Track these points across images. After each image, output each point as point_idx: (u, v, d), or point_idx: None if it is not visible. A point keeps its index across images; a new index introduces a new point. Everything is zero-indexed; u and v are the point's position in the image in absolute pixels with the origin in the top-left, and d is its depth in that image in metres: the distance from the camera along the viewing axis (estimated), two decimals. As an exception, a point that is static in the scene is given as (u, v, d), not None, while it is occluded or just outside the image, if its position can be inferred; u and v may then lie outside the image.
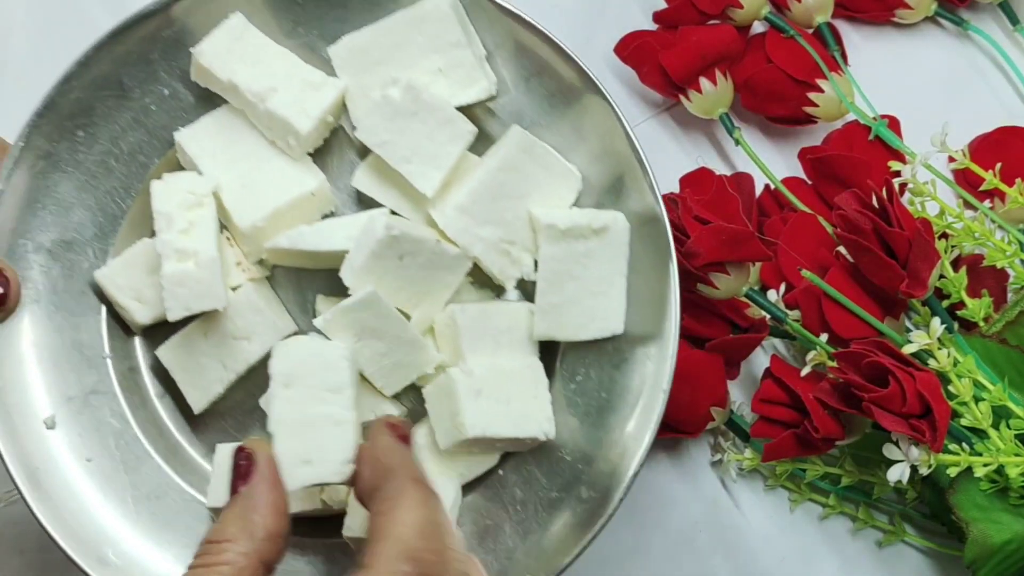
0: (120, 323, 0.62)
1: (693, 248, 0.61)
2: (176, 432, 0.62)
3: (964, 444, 0.60)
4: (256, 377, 0.61)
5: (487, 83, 0.61)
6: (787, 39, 0.71)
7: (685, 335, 0.65)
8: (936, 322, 0.61)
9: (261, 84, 0.60)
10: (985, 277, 0.67)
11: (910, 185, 0.66)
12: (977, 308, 0.64)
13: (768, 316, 0.65)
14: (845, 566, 0.69)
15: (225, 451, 0.58)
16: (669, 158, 0.73)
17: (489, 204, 0.60)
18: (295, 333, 0.62)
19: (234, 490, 0.50)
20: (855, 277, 0.63)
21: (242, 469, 0.50)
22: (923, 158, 0.66)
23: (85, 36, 0.75)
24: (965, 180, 0.69)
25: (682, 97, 0.71)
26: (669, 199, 0.61)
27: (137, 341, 0.62)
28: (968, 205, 0.67)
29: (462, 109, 0.60)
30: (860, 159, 0.68)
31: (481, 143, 0.61)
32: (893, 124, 0.70)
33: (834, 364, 0.61)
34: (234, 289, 0.60)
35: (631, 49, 0.72)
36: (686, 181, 0.71)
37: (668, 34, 0.72)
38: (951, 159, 0.68)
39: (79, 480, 0.59)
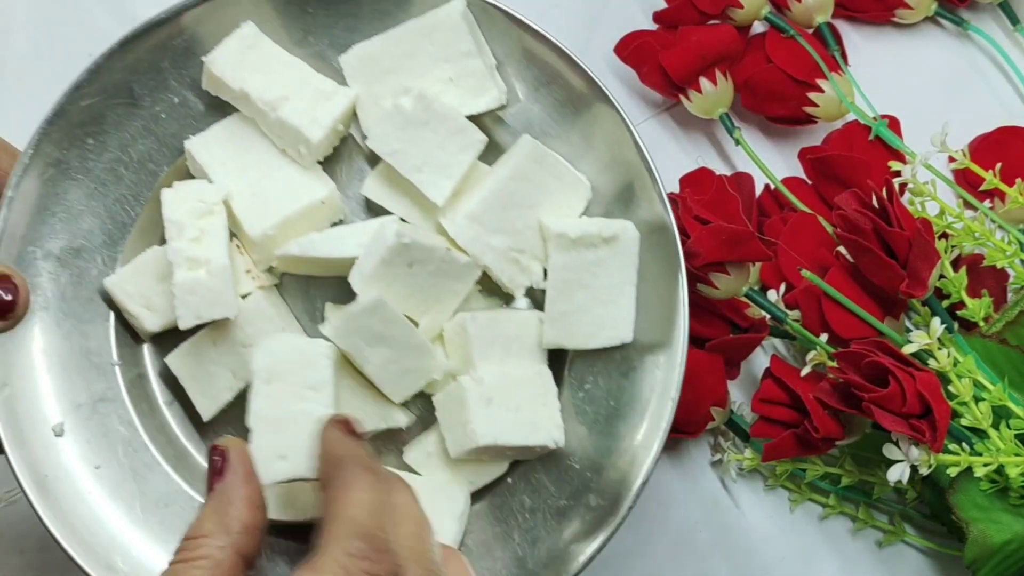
0: (129, 330, 0.62)
1: (693, 248, 0.61)
2: (185, 440, 0.62)
3: (964, 444, 0.60)
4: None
5: (497, 92, 0.61)
6: (787, 39, 0.71)
7: (685, 335, 0.65)
8: (936, 322, 0.61)
9: (273, 93, 0.60)
10: (985, 277, 0.67)
11: (910, 185, 0.66)
12: (977, 308, 0.64)
13: (768, 316, 0.65)
14: (845, 566, 0.69)
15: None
16: (669, 158, 0.73)
17: (500, 213, 0.60)
18: None
19: (210, 487, 0.51)
20: (855, 277, 0.63)
21: (216, 466, 0.52)
22: (923, 158, 0.66)
23: (85, 36, 0.75)
24: (965, 180, 0.69)
25: (682, 97, 0.71)
26: (669, 199, 0.61)
27: (146, 348, 0.62)
28: (968, 205, 0.67)
29: (472, 118, 0.61)
30: (860, 159, 0.68)
31: (490, 152, 0.61)
32: (893, 124, 0.70)
33: (834, 364, 0.61)
34: (244, 297, 0.60)
35: (631, 49, 0.72)
36: (686, 181, 0.71)
37: (668, 34, 0.72)
38: (951, 159, 0.68)
39: (88, 487, 0.59)
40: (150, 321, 0.60)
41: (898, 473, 0.60)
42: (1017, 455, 0.59)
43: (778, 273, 0.66)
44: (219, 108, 0.62)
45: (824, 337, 0.63)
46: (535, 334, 0.61)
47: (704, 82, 0.70)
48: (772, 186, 0.70)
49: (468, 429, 0.58)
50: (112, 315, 0.61)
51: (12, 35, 0.75)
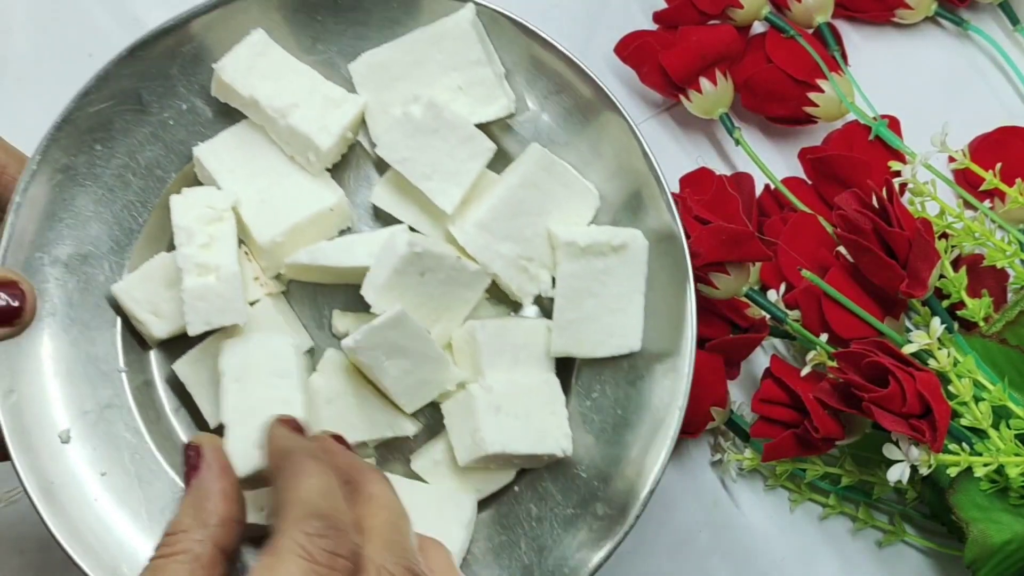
0: (135, 337, 0.62)
1: (693, 248, 0.61)
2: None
3: (964, 444, 0.60)
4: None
5: (507, 101, 0.61)
6: (787, 39, 0.71)
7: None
8: (936, 322, 0.61)
9: (282, 100, 0.60)
10: (985, 277, 0.67)
11: (910, 185, 0.66)
12: (977, 308, 0.64)
13: (768, 316, 0.65)
14: (845, 566, 0.69)
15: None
16: (669, 158, 0.73)
17: (509, 221, 0.60)
18: (311, 348, 0.62)
19: (186, 483, 0.52)
20: (855, 277, 0.63)
21: (191, 462, 0.52)
22: (923, 158, 0.66)
23: (85, 36, 0.76)
24: (965, 180, 0.69)
25: (682, 97, 0.71)
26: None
27: (152, 355, 0.62)
28: (968, 205, 0.67)
29: (480, 126, 0.61)
30: (860, 159, 0.68)
31: (498, 160, 0.61)
32: (893, 124, 0.70)
33: (834, 364, 0.61)
34: (252, 304, 0.60)
35: (631, 49, 0.72)
36: (686, 181, 0.71)
37: (668, 34, 0.72)
38: (951, 159, 0.68)
39: (94, 494, 0.59)
40: (158, 327, 0.60)
41: (898, 473, 0.60)
42: (1017, 455, 0.59)
43: (778, 273, 0.66)
44: (227, 115, 0.62)
45: (824, 337, 0.63)
46: (543, 342, 0.61)
47: (704, 82, 0.70)
48: (772, 186, 0.70)
49: (477, 437, 0.58)
50: (119, 321, 0.61)
51: (12, 35, 0.75)
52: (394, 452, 0.62)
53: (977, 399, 0.60)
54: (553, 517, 0.60)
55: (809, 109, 0.71)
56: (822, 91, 0.70)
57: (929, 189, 0.65)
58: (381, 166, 0.62)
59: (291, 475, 0.49)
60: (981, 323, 0.64)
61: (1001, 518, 0.61)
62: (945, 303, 0.64)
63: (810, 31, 0.72)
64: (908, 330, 0.62)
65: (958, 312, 0.64)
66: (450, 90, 0.61)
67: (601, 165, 0.62)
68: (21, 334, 0.58)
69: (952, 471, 0.59)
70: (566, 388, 0.61)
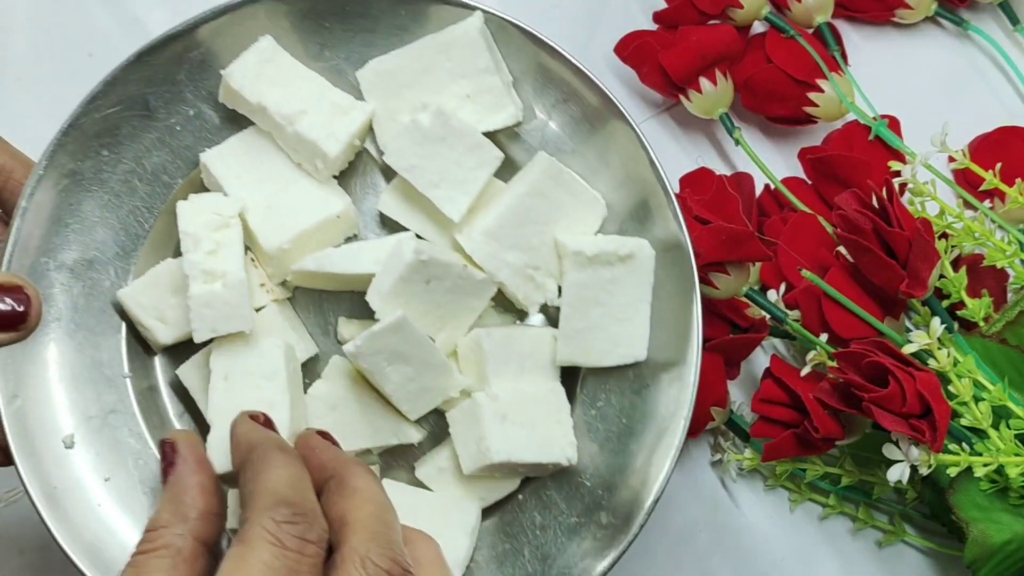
0: (140, 342, 0.62)
1: (693, 248, 0.61)
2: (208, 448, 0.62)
3: (964, 444, 0.60)
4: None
5: (514, 109, 0.61)
6: (787, 39, 0.71)
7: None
8: (936, 322, 0.61)
9: (290, 107, 0.60)
10: (985, 277, 0.67)
11: (910, 185, 0.66)
12: (977, 308, 0.64)
13: (768, 316, 0.65)
14: (845, 566, 0.69)
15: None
16: (669, 158, 0.72)
17: (516, 230, 0.60)
18: (316, 355, 0.62)
19: (163, 480, 0.52)
20: (855, 277, 0.63)
21: (167, 458, 0.52)
22: (923, 158, 0.66)
23: (85, 36, 0.75)
24: (965, 180, 0.69)
25: (682, 97, 0.71)
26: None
27: (157, 360, 0.62)
28: (968, 205, 0.67)
29: (488, 134, 0.61)
30: (860, 159, 0.68)
31: (505, 168, 0.61)
32: (893, 124, 0.70)
33: (834, 364, 0.61)
34: (258, 310, 0.60)
35: (631, 49, 0.72)
36: (686, 181, 0.71)
37: (668, 34, 0.72)
38: (951, 159, 0.68)
39: (97, 499, 0.59)
40: (163, 333, 0.60)
41: (898, 473, 0.60)
42: (1017, 455, 0.59)
43: (778, 273, 0.66)
44: (234, 121, 0.62)
45: (824, 337, 0.63)
46: (549, 351, 0.61)
47: (704, 82, 0.70)
48: (772, 186, 0.70)
49: (483, 446, 0.58)
50: (124, 327, 0.61)
51: (12, 35, 0.75)
52: (398, 459, 0.62)
53: (977, 399, 0.60)
54: (557, 526, 0.60)
55: (809, 109, 0.71)
56: (822, 91, 0.70)
57: (929, 189, 0.65)
58: (388, 173, 0.62)
59: (258, 466, 0.49)
60: (981, 323, 0.64)
61: (1001, 518, 0.61)
62: (945, 303, 0.64)
63: (810, 31, 0.72)
64: (908, 330, 0.62)
65: (958, 312, 0.64)
66: (458, 98, 0.61)
67: (608, 174, 0.62)
68: (26, 339, 0.58)
69: (952, 471, 0.59)
70: (571, 397, 0.61)
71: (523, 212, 0.60)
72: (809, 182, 0.71)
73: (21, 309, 0.56)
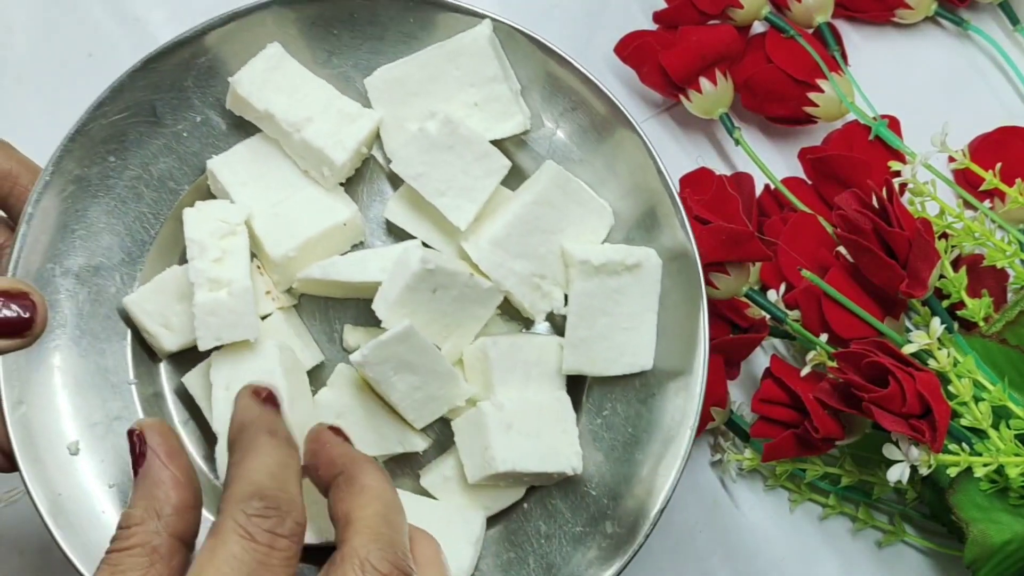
0: (145, 349, 0.62)
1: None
2: (199, 459, 0.61)
3: (964, 444, 0.60)
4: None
5: (522, 118, 0.61)
6: (787, 39, 0.71)
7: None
8: (936, 322, 0.61)
9: (297, 114, 0.60)
10: (985, 277, 0.67)
11: (910, 185, 0.66)
12: (977, 308, 0.64)
13: (768, 316, 0.65)
14: (845, 566, 0.69)
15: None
16: (669, 158, 0.72)
17: (523, 238, 0.60)
18: (322, 363, 0.62)
19: (134, 473, 0.50)
20: (855, 277, 0.64)
21: (136, 450, 0.50)
22: (923, 158, 0.66)
23: (85, 36, 0.75)
24: (965, 180, 0.69)
25: (682, 97, 0.71)
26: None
27: (162, 367, 0.62)
28: (968, 205, 0.67)
29: (495, 142, 0.60)
30: (860, 159, 0.68)
31: (513, 176, 0.61)
32: (893, 124, 0.70)
33: (834, 364, 0.61)
34: (263, 318, 0.60)
35: (631, 49, 0.72)
36: (686, 181, 0.71)
37: (668, 34, 0.72)
38: (951, 159, 0.68)
39: (102, 506, 0.59)
40: (168, 340, 0.60)
41: (898, 473, 0.60)
42: (1017, 455, 0.59)
43: (778, 273, 0.66)
44: (241, 128, 0.62)
45: (824, 337, 0.63)
46: (555, 360, 0.61)
47: (704, 82, 0.70)
48: (772, 186, 0.70)
49: (488, 455, 0.58)
50: (129, 334, 0.61)
51: (12, 35, 0.75)
52: (403, 468, 0.61)
53: (977, 399, 0.60)
54: (562, 535, 0.60)
55: (809, 109, 0.71)
56: (822, 91, 0.70)
57: (929, 189, 0.65)
58: (395, 181, 0.62)
59: (242, 451, 0.48)
60: (981, 323, 0.64)
61: (1001, 518, 0.61)
62: (945, 303, 0.64)
63: (810, 31, 0.72)
64: (908, 330, 0.62)
65: (958, 312, 0.64)
66: (466, 106, 0.61)
67: (616, 183, 0.62)
68: (31, 345, 0.57)
69: (952, 471, 0.59)
70: (577, 405, 0.61)
71: (530, 221, 0.60)
72: (809, 182, 0.71)
73: (27, 315, 0.56)
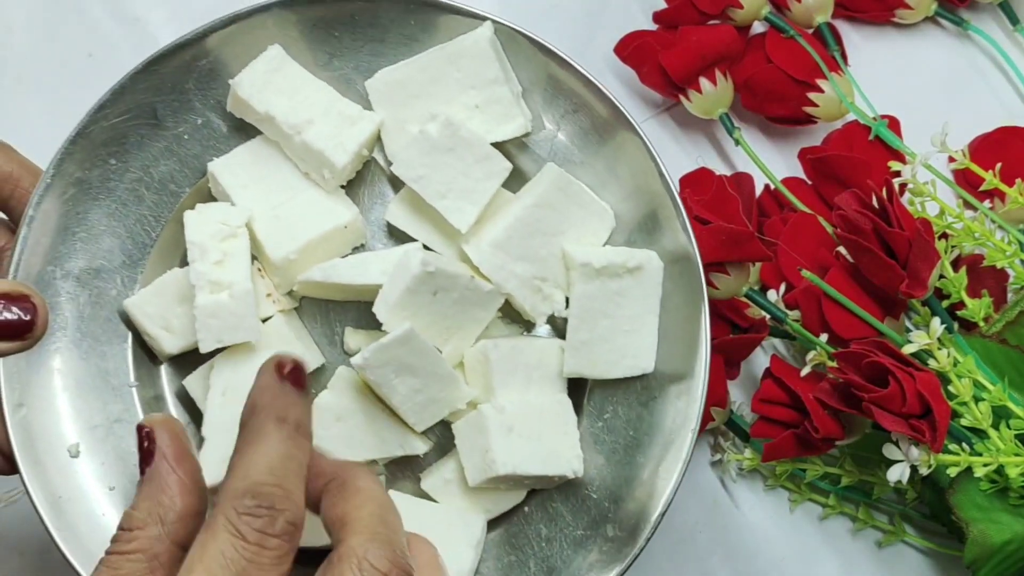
0: (146, 352, 0.62)
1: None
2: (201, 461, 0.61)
3: (964, 444, 0.60)
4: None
5: (523, 120, 0.61)
6: (787, 39, 0.71)
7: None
8: (936, 322, 0.61)
9: (298, 116, 0.60)
10: (985, 277, 0.67)
11: (910, 185, 0.66)
12: (977, 308, 0.64)
13: (768, 316, 0.65)
14: (845, 566, 0.69)
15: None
16: (669, 158, 0.72)
17: (524, 241, 0.60)
18: (323, 365, 0.62)
19: (140, 472, 0.49)
20: (855, 277, 0.63)
21: (145, 448, 0.49)
22: (923, 158, 0.66)
23: (85, 36, 0.75)
24: (965, 180, 0.69)
25: (682, 97, 0.71)
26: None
27: (163, 370, 0.62)
28: (968, 205, 0.67)
29: (496, 145, 0.60)
30: (860, 159, 0.68)
31: (514, 178, 0.61)
32: (893, 124, 0.70)
33: (834, 364, 0.61)
34: (264, 321, 0.60)
35: (631, 49, 0.72)
36: (686, 181, 0.71)
37: (668, 34, 0.72)
38: (951, 159, 0.68)
39: (102, 509, 0.59)
40: (169, 343, 0.60)
41: (898, 473, 0.60)
42: (1017, 455, 0.59)
43: (778, 273, 0.66)
44: (242, 130, 0.62)
45: (824, 337, 0.63)
46: (556, 363, 0.61)
47: (704, 82, 0.70)
48: (772, 186, 0.70)
49: (488, 458, 0.58)
50: (130, 336, 0.61)
51: (12, 35, 0.75)
52: (404, 470, 0.61)
53: (977, 399, 0.60)
54: (563, 538, 0.60)
55: (809, 109, 0.71)
56: (822, 91, 0.70)
57: (929, 189, 0.65)
58: (396, 183, 0.62)
59: (246, 439, 0.47)
60: (981, 323, 0.64)
61: (1001, 518, 0.61)
62: (945, 303, 0.64)
63: (810, 31, 0.72)
64: (908, 330, 0.62)
65: (958, 312, 0.64)
66: (467, 108, 0.61)
67: (617, 185, 0.62)
68: (32, 348, 0.57)
69: (952, 471, 0.59)
70: (578, 408, 0.61)
71: (531, 223, 0.60)
72: (809, 182, 0.71)
73: (27, 318, 0.55)
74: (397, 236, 0.62)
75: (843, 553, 0.69)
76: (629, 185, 0.61)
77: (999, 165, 0.67)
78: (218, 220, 0.59)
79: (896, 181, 0.64)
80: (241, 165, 0.61)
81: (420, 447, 0.60)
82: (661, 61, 0.70)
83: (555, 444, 0.59)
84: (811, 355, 0.63)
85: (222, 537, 0.45)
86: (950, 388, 0.60)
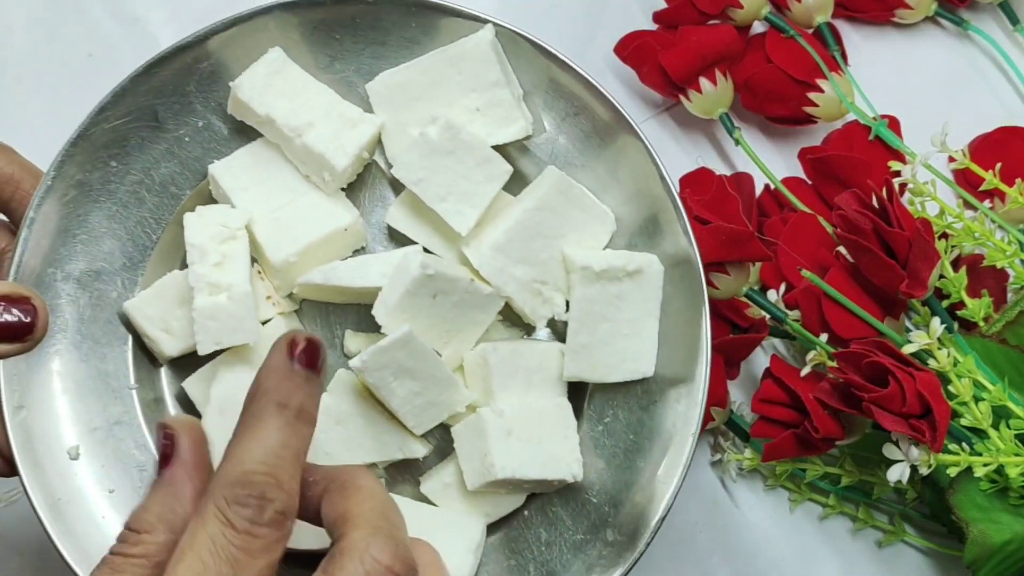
0: (146, 353, 0.62)
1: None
2: None
3: (964, 444, 0.60)
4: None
5: (524, 123, 0.61)
6: (787, 39, 0.71)
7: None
8: (936, 322, 0.61)
9: (298, 119, 0.60)
10: (985, 277, 0.67)
11: (910, 185, 0.66)
12: (977, 308, 0.64)
13: (768, 316, 0.65)
14: (845, 566, 0.69)
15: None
16: (669, 158, 0.72)
17: (524, 244, 0.60)
18: None
19: (157, 472, 0.48)
20: (855, 277, 0.63)
21: (164, 451, 0.48)
22: (923, 158, 0.66)
23: (85, 36, 0.75)
24: (965, 180, 0.69)
25: (682, 97, 0.71)
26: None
27: (163, 372, 0.62)
28: (968, 205, 0.67)
29: (497, 147, 0.60)
30: (860, 159, 0.68)
31: (514, 181, 0.61)
32: (893, 124, 0.70)
33: (834, 364, 0.61)
34: (264, 323, 0.60)
35: (631, 49, 0.72)
36: (686, 181, 0.71)
37: (668, 34, 0.72)
38: (951, 159, 0.68)
39: (101, 511, 0.59)
40: (169, 345, 0.60)
41: (898, 473, 0.60)
42: (1017, 455, 0.59)
43: (778, 273, 0.66)
44: (243, 132, 0.62)
45: (824, 337, 0.63)
46: (556, 366, 0.60)
47: (704, 82, 0.70)
48: (772, 186, 0.70)
49: (487, 462, 0.58)
50: (130, 338, 0.61)
51: (12, 35, 0.75)
52: (404, 474, 0.61)
53: (977, 399, 0.60)
54: (563, 542, 0.60)
55: (809, 109, 0.71)
56: (822, 91, 0.70)
57: (929, 189, 0.65)
58: (396, 185, 0.62)
59: (245, 424, 0.47)
60: (981, 323, 0.64)
61: (1001, 518, 0.61)
62: (945, 303, 0.64)
63: (810, 31, 0.72)
64: (908, 330, 0.62)
65: (958, 312, 0.64)
66: (468, 111, 0.61)
67: (618, 188, 0.61)
68: (32, 350, 0.57)
69: (952, 471, 0.59)
70: (578, 412, 0.61)
71: (532, 226, 0.60)
72: (809, 182, 0.71)
73: (28, 320, 0.55)
74: (397, 239, 0.62)
75: (843, 553, 0.69)
76: (630, 188, 0.61)
77: (999, 165, 0.67)
78: (218, 222, 0.59)
79: (896, 181, 0.64)
80: (242, 167, 0.61)
81: (419, 450, 0.60)
82: (661, 61, 0.70)
83: (555, 448, 0.59)
84: (811, 355, 0.63)
85: (211, 524, 0.44)
86: (950, 388, 0.60)
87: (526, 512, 0.61)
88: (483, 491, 0.59)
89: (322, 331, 0.62)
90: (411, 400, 0.57)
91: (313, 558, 0.47)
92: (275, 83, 0.60)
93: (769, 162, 0.70)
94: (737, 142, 0.71)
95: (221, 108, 0.62)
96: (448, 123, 0.59)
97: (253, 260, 0.60)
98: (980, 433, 0.61)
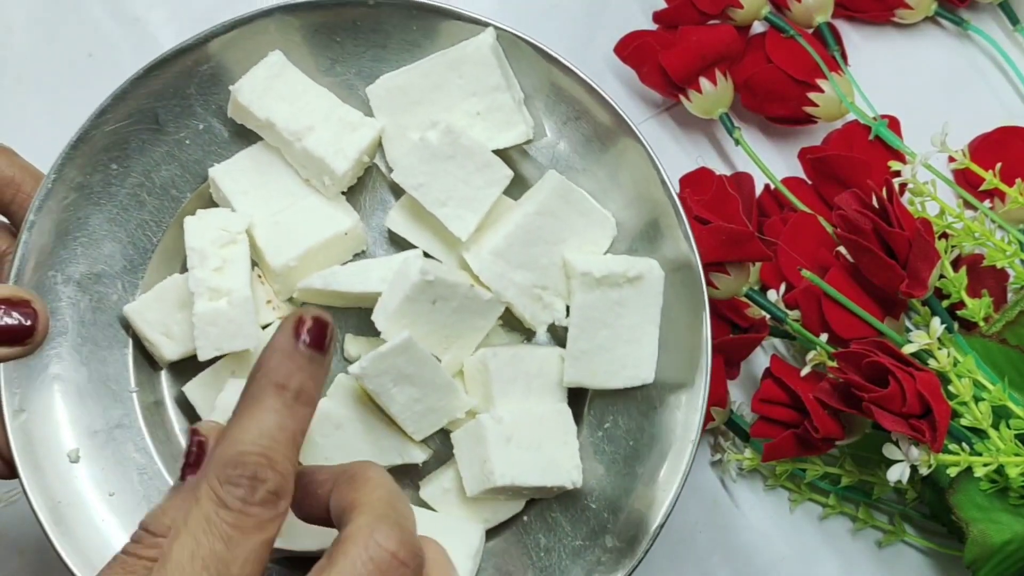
0: (146, 357, 0.62)
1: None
2: None
3: (964, 444, 0.60)
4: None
5: (525, 127, 0.61)
6: (787, 39, 0.71)
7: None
8: (936, 322, 0.61)
9: (298, 123, 0.60)
10: (985, 277, 0.67)
11: (910, 185, 0.66)
12: (977, 308, 0.64)
13: (768, 316, 0.65)
14: (845, 566, 0.69)
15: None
16: (669, 158, 0.72)
17: (524, 249, 0.60)
18: None
19: (182, 476, 0.48)
20: (855, 277, 0.64)
21: (192, 456, 0.48)
22: (923, 158, 0.66)
23: (85, 36, 0.75)
24: (965, 180, 0.69)
25: (682, 97, 0.71)
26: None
27: (163, 375, 0.62)
28: (968, 205, 0.67)
29: (498, 152, 0.60)
30: (860, 159, 0.68)
31: (515, 186, 0.61)
32: (893, 124, 0.70)
33: (834, 364, 0.61)
34: (264, 327, 0.60)
35: (631, 49, 0.72)
36: (686, 181, 0.71)
37: (668, 34, 0.72)
38: (951, 159, 0.68)
39: (102, 515, 0.59)
40: (169, 349, 0.60)
41: (898, 473, 0.60)
42: (1017, 455, 0.59)
43: (778, 273, 0.66)
44: (244, 136, 0.62)
45: (824, 337, 0.63)
46: (556, 372, 0.60)
47: (704, 82, 0.70)
48: (772, 186, 0.70)
49: (486, 468, 0.58)
50: (131, 342, 0.61)
51: (12, 35, 0.75)
52: (403, 479, 0.61)
53: (977, 399, 0.60)
54: (562, 548, 0.60)
55: (809, 109, 0.71)
56: (822, 91, 0.70)
57: (929, 189, 0.65)
58: (397, 189, 0.62)
59: (244, 404, 0.47)
60: (981, 323, 0.64)
61: (1001, 518, 0.61)
62: (945, 303, 0.64)
63: (810, 31, 0.72)
64: (908, 330, 0.62)
65: (958, 312, 0.64)
66: (468, 115, 0.61)
67: (619, 193, 0.61)
68: (32, 353, 0.57)
69: (952, 471, 0.59)
70: (578, 418, 0.61)
71: (532, 231, 0.60)
72: (809, 182, 0.71)
73: (28, 323, 0.55)
74: (398, 243, 0.62)
75: (843, 553, 0.69)
76: (631, 193, 0.61)
77: (999, 165, 0.67)
78: (218, 226, 0.58)
79: (896, 181, 0.64)
80: (242, 171, 0.61)
81: (419, 456, 0.60)
82: (661, 61, 0.70)
83: (554, 454, 0.59)
84: (811, 355, 0.63)
85: (205, 504, 0.45)
86: (950, 388, 0.60)
87: (525, 518, 0.61)
88: (482, 497, 0.59)
89: None
90: (411, 406, 0.57)
91: (315, 560, 0.47)
92: (275, 87, 0.60)
93: (769, 162, 0.70)
94: (737, 142, 0.71)
95: (221, 111, 0.62)
96: (448, 127, 0.59)
97: (253, 264, 0.60)
98: (980, 433, 0.61)
